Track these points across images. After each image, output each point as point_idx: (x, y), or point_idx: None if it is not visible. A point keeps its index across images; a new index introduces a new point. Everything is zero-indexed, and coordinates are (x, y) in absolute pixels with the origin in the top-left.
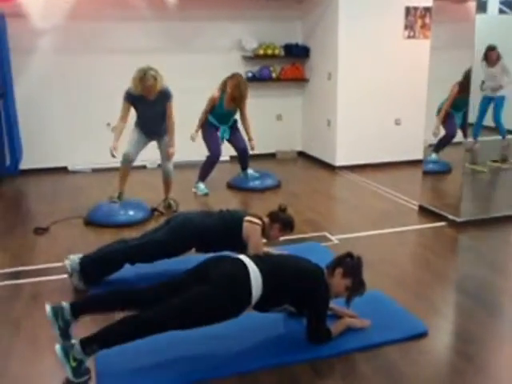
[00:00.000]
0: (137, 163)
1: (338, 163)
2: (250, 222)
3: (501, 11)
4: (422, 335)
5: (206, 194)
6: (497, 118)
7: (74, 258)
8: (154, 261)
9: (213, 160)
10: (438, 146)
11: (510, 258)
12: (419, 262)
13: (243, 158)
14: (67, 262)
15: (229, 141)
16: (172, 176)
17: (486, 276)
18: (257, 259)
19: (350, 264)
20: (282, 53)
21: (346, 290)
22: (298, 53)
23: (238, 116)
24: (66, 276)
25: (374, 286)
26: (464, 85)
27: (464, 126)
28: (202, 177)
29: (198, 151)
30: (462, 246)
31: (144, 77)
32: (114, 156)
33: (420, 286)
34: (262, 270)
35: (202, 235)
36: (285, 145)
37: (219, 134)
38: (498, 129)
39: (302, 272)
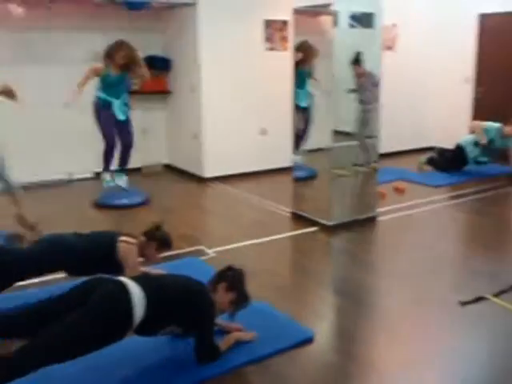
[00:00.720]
0: None
1: (207, 175)
2: (125, 242)
3: (351, 26)
4: (309, 341)
5: (111, 185)
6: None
7: None
8: (17, 282)
9: (110, 147)
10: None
11: (377, 257)
12: (297, 268)
13: (124, 153)
14: None
15: (120, 125)
16: (14, 186)
17: (359, 275)
18: (138, 280)
19: (231, 278)
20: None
21: (231, 305)
22: (159, 65)
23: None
24: None
25: (256, 296)
26: None
27: None
28: (105, 166)
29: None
30: (335, 248)
31: None
32: None
33: (300, 292)
34: (144, 292)
35: (72, 257)
36: (151, 158)
37: (113, 113)
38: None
39: (185, 291)
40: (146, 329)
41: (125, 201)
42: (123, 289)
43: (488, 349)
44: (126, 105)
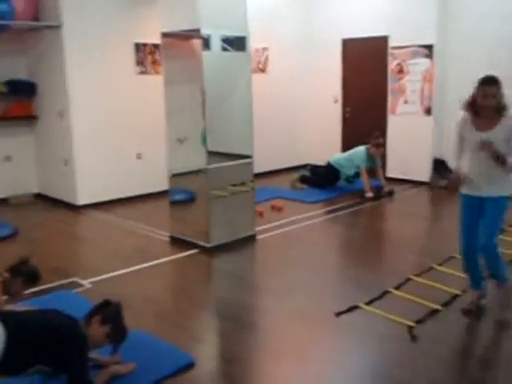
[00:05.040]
0: None
1: (80, 202)
2: None
3: (224, 49)
4: (190, 366)
5: None
6: None
7: None
8: None
9: None
10: None
11: (258, 275)
12: (177, 292)
13: None
14: None
15: None
16: None
17: (239, 296)
18: (1, 316)
19: (107, 311)
20: (5, 89)
21: (106, 338)
22: (23, 89)
23: None
24: None
25: (135, 325)
26: None
27: None
28: None
29: None
30: (215, 270)
31: None
32: None
33: (181, 317)
34: (7, 330)
35: None
36: (18, 188)
37: None
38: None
39: (52, 327)
40: (8, 368)
41: None
42: None
43: (359, 356)
44: None
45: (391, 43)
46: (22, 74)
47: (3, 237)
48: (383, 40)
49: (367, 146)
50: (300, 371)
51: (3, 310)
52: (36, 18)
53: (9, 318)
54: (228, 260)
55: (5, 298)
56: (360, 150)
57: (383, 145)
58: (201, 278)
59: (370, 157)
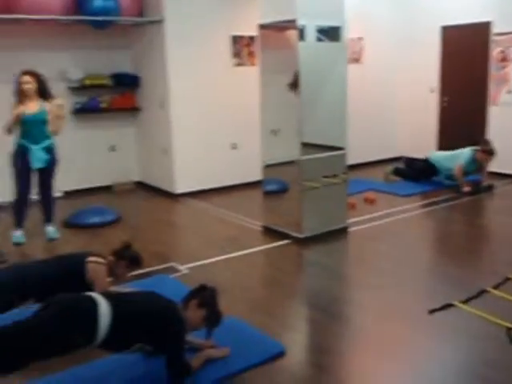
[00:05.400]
0: None
1: (178, 191)
2: (94, 262)
3: (318, 39)
4: (280, 355)
5: (18, 244)
6: None
7: None
8: None
9: (18, 201)
10: None
11: (349, 268)
12: (269, 281)
13: (45, 204)
14: None
15: (39, 173)
16: None
17: (332, 287)
18: (107, 295)
19: (203, 295)
20: (111, 82)
21: (202, 322)
22: (127, 82)
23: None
24: None
25: (228, 312)
26: None
27: None
28: (16, 222)
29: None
30: (307, 261)
31: None
32: None
33: (273, 305)
34: (113, 307)
35: (40, 285)
36: (121, 176)
37: (29, 160)
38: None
39: (155, 309)
40: (112, 344)
41: (95, 220)
42: (89, 298)
43: (452, 355)
44: (48, 149)
45: (494, 29)
46: (126, 68)
47: (108, 222)
48: (485, 26)
49: (474, 148)
50: (390, 366)
51: (108, 290)
52: (140, 14)
53: (114, 298)
54: (320, 251)
55: (109, 279)
56: (466, 152)
57: (493, 153)
58: (292, 268)
59: (475, 161)
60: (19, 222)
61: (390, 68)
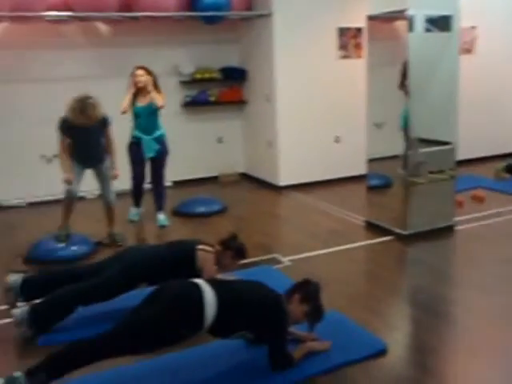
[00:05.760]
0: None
1: (281, 183)
2: (203, 250)
3: (427, 30)
4: (382, 352)
5: (132, 221)
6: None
7: (23, 309)
8: (107, 300)
9: (134, 187)
10: None
11: (455, 268)
12: (371, 277)
13: (156, 193)
14: (16, 311)
15: (152, 161)
16: (114, 205)
17: (436, 287)
18: (213, 282)
19: (307, 290)
20: (220, 76)
21: (305, 316)
22: (235, 75)
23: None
24: (8, 321)
25: (330, 305)
26: None
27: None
28: (133, 203)
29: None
30: (411, 258)
31: (84, 108)
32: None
33: (374, 302)
34: (218, 294)
35: (154, 269)
36: (227, 167)
37: (142, 150)
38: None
39: (260, 298)
40: (217, 330)
41: (202, 209)
42: (196, 287)
43: None
44: (158, 140)
45: None
46: (234, 62)
47: (215, 211)
48: None
49: None
50: (498, 373)
51: (215, 278)
52: (249, 8)
53: (220, 286)
54: (424, 249)
55: (215, 268)
56: None
57: None
58: (395, 265)
59: None
60: (136, 203)
61: (506, 59)
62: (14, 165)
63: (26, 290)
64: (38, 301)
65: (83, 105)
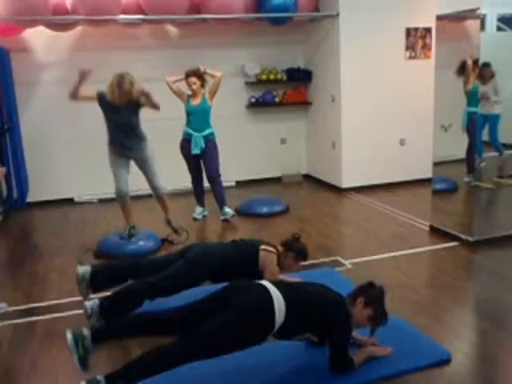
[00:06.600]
0: (142, 192)
1: (344, 185)
2: (266, 250)
3: (499, 28)
4: (446, 361)
5: (195, 219)
6: (493, 136)
7: (95, 301)
8: (172, 294)
9: (192, 183)
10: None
11: None
12: (435, 284)
13: (213, 188)
14: (88, 304)
15: (200, 158)
16: (164, 194)
17: (505, 296)
18: (279, 285)
19: (371, 294)
20: (285, 77)
21: (368, 320)
22: (300, 77)
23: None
24: (80, 312)
25: (392, 311)
26: None
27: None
28: (196, 200)
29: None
30: (477, 265)
31: (121, 81)
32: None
33: (439, 309)
34: (284, 297)
35: (219, 266)
36: (290, 168)
37: (191, 146)
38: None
39: (324, 301)
40: (283, 333)
41: (265, 209)
42: (266, 291)
43: None
44: (207, 138)
45: None
46: (299, 63)
47: (278, 212)
48: None
49: None
50: None
51: (278, 278)
52: (315, 9)
53: (287, 290)
54: (492, 257)
55: (278, 268)
56: None
57: None
58: (461, 272)
59: None
60: (198, 200)
61: None
62: (86, 162)
63: (94, 282)
64: (107, 293)
65: (121, 79)
